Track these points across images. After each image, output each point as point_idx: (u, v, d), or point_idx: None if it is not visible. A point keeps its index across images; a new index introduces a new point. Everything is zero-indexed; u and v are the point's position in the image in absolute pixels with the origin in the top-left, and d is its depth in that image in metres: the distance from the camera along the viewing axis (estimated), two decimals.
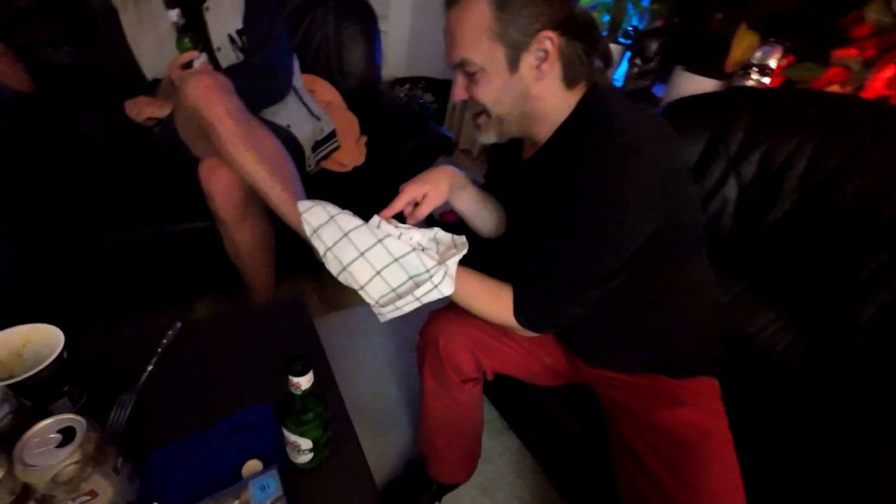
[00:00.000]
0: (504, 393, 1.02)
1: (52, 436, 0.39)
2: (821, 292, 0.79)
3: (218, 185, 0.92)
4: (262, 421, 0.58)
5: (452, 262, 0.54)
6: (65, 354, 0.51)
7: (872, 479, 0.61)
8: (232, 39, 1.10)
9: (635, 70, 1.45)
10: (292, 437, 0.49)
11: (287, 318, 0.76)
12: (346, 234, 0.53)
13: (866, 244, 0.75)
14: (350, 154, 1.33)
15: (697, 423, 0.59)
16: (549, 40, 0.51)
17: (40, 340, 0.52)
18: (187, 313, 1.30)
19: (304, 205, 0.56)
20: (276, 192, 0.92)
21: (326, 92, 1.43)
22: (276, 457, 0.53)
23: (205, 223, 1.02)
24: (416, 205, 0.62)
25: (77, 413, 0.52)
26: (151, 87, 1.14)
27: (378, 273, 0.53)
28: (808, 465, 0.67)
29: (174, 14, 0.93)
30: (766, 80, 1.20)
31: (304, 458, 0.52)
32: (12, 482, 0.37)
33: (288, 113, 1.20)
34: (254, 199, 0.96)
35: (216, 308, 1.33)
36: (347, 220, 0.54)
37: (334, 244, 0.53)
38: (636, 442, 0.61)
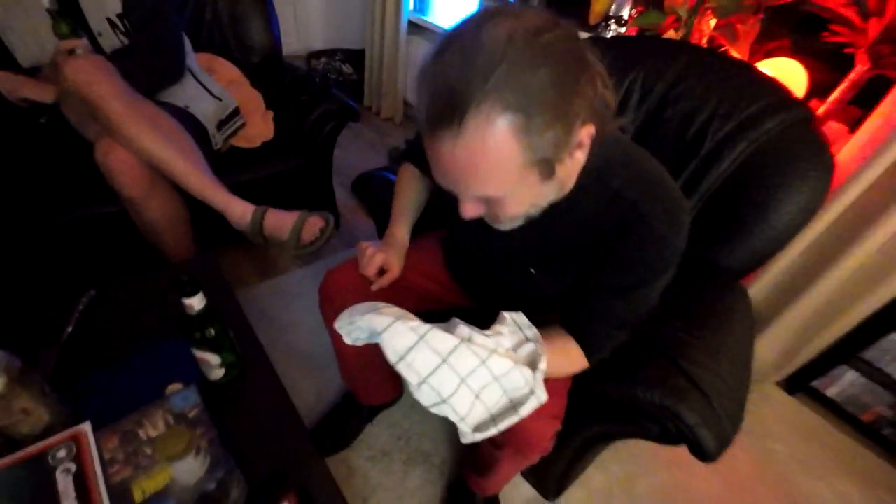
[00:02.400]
0: None
1: None
2: None
3: (117, 165, 0.94)
4: (177, 351, 0.66)
5: (544, 366, 0.49)
6: None
7: None
8: (112, 23, 1.09)
9: None
10: (200, 354, 0.59)
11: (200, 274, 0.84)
12: (445, 360, 0.45)
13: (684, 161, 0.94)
14: (257, 129, 1.38)
15: None
16: (587, 136, 0.44)
17: None
18: None
19: (380, 321, 0.47)
20: (179, 164, 0.97)
21: (226, 70, 1.45)
22: (194, 377, 0.63)
23: (115, 207, 1.05)
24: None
25: None
26: (30, 75, 1.12)
27: (477, 397, 0.46)
28: None
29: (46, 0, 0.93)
30: (623, 30, 1.37)
31: (218, 373, 0.62)
32: None
33: (185, 94, 1.22)
34: (157, 175, 0.99)
35: None
36: (439, 338, 0.46)
37: (431, 373, 0.45)
38: None
